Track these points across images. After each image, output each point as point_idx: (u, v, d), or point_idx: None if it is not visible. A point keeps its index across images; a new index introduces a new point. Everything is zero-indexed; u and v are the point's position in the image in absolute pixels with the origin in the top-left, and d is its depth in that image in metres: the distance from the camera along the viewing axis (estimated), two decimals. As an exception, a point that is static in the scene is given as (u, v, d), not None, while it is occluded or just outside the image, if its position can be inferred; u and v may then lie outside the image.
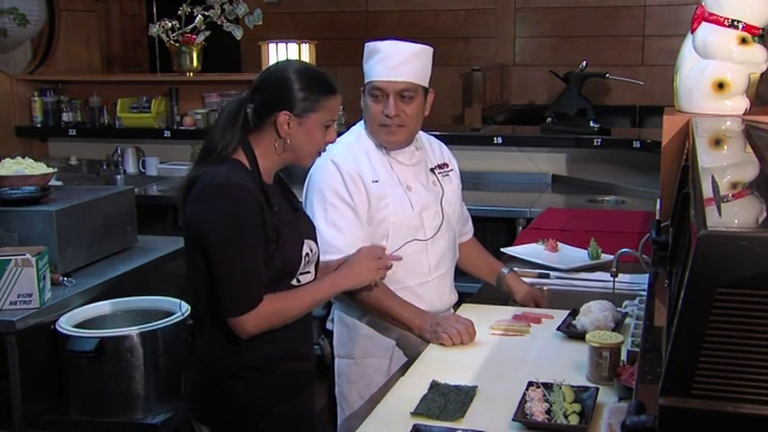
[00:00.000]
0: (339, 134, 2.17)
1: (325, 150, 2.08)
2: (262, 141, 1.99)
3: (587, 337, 2.03)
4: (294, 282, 2.03)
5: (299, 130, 1.98)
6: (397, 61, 2.36)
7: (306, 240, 2.06)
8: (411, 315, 2.31)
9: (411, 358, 2.31)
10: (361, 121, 2.49)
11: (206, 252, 1.91)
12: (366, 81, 2.41)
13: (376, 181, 2.40)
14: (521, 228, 3.97)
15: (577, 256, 2.98)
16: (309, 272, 2.08)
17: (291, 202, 2.12)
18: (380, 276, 2.19)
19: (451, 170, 2.61)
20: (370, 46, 2.41)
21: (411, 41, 2.43)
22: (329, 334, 2.49)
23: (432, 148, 2.59)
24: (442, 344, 2.26)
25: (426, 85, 2.42)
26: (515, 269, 2.78)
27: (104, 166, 5.31)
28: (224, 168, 1.94)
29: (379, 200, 2.39)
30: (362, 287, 2.23)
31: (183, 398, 2.15)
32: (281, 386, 2.05)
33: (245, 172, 1.96)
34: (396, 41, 2.40)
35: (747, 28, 2.30)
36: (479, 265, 2.74)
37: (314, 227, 2.17)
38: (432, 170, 2.54)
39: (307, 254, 2.04)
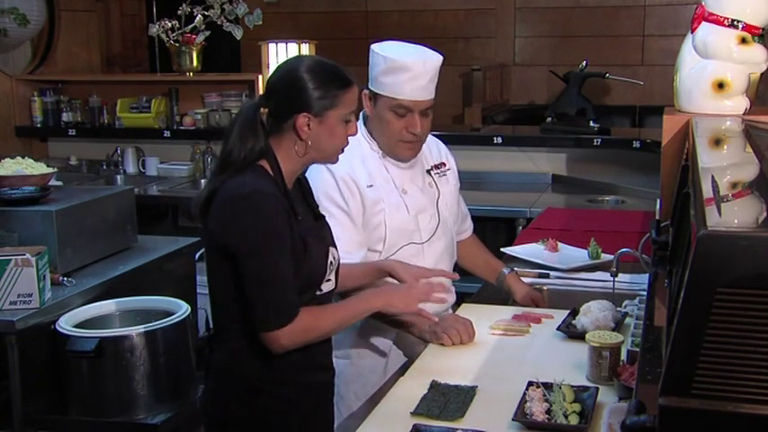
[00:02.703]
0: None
1: (347, 144, 1.98)
2: (282, 145, 1.91)
3: (587, 336, 2.03)
4: (317, 291, 1.96)
5: (321, 129, 1.89)
6: (426, 80, 2.33)
7: (330, 248, 2.00)
8: (410, 316, 2.30)
9: (408, 359, 2.32)
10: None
11: (236, 265, 1.83)
12: (385, 94, 2.34)
13: (371, 186, 2.38)
14: (521, 228, 3.97)
15: (577, 256, 2.98)
16: (331, 279, 2.01)
17: (313, 208, 2.04)
18: (414, 310, 2.03)
19: (449, 169, 2.60)
20: (392, 59, 2.32)
21: (412, 42, 2.42)
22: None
23: (429, 147, 2.57)
24: (442, 344, 2.26)
25: None
26: (516, 269, 2.78)
27: (104, 166, 5.32)
28: (248, 177, 1.85)
29: (374, 204, 2.38)
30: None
31: (200, 411, 2.08)
32: (303, 399, 1.98)
33: (268, 179, 1.88)
34: (417, 55, 2.35)
35: (747, 28, 2.29)
36: (479, 263, 2.73)
37: (332, 232, 2.08)
38: (428, 171, 2.53)
39: (330, 262, 1.98)
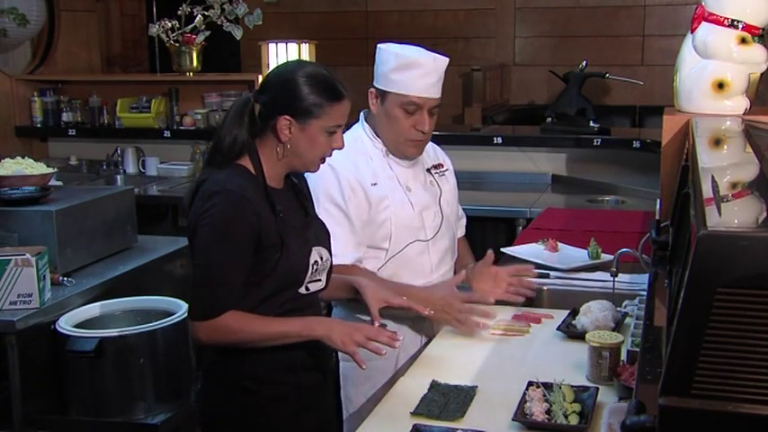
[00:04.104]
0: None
1: (330, 155, 2.00)
2: (266, 145, 1.94)
3: (587, 336, 2.03)
4: (302, 290, 1.97)
5: (301, 136, 1.91)
6: (436, 78, 2.36)
7: (315, 248, 1.99)
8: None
9: (411, 358, 2.32)
10: (359, 123, 2.48)
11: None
12: (395, 91, 2.34)
13: (375, 184, 2.39)
14: (521, 228, 3.97)
15: (577, 256, 2.98)
16: (320, 279, 2.02)
17: (304, 207, 2.06)
18: (350, 350, 1.92)
19: (447, 170, 2.61)
20: (404, 57, 2.34)
21: (412, 43, 2.43)
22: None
23: (426, 148, 2.59)
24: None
25: None
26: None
27: (104, 166, 5.31)
28: (224, 174, 1.89)
29: (379, 202, 2.38)
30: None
31: (194, 409, 2.10)
32: (292, 399, 2.00)
33: (247, 177, 1.90)
34: (429, 55, 2.37)
35: (747, 28, 2.30)
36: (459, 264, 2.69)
37: (327, 233, 2.09)
38: (428, 170, 2.54)
39: (316, 261, 1.98)
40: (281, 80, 1.94)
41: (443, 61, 2.39)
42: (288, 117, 1.89)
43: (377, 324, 2.06)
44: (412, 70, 2.33)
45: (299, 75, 1.91)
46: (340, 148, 2.00)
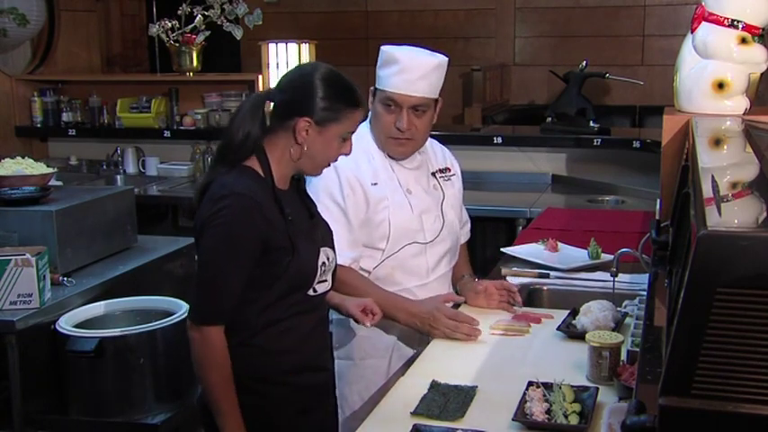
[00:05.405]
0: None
1: (336, 161, 2.01)
2: (277, 145, 1.93)
3: (587, 336, 2.03)
4: (311, 292, 1.97)
5: (318, 138, 1.91)
6: (415, 76, 2.33)
7: (322, 248, 1.99)
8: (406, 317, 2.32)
9: (410, 359, 2.32)
10: (365, 122, 2.48)
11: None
12: (379, 87, 2.38)
13: (375, 183, 2.39)
14: (521, 228, 3.97)
15: (577, 256, 2.98)
16: (326, 280, 2.02)
17: (308, 207, 2.05)
18: None
19: (453, 174, 2.61)
20: (387, 53, 2.37)
21: (412, 43, 2.43)
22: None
23: (434, 151, 2.59)
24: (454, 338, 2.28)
25: (437, 95, 2.41)
26: (515, 268, 2.77)
27: (104, 166, 5.32)
28: (232, 176, 1.88)
29: (378, 202, 2.38)
30: (355, 292, 2.25)
31: (194, 409, 2.10)
32: (295, 399, 1.99)
33: (255, 179, 1.90)
34: (414, 52, 2.37)
35: (747, 28, 2.30)
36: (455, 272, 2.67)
37: (331, 233, 2.09)
38: (433, 174, 2.54)
39: (323, 262, 1.98)
40: (300, 82, 1.93)
41: (425, 59, 2.36)
42: (308, 119, 1.89)
43: (368, 324, 2.15)
44: (391, 66, 2.35)
45: (321, 78, 1.91)
46: (347, 155, 2.00)
